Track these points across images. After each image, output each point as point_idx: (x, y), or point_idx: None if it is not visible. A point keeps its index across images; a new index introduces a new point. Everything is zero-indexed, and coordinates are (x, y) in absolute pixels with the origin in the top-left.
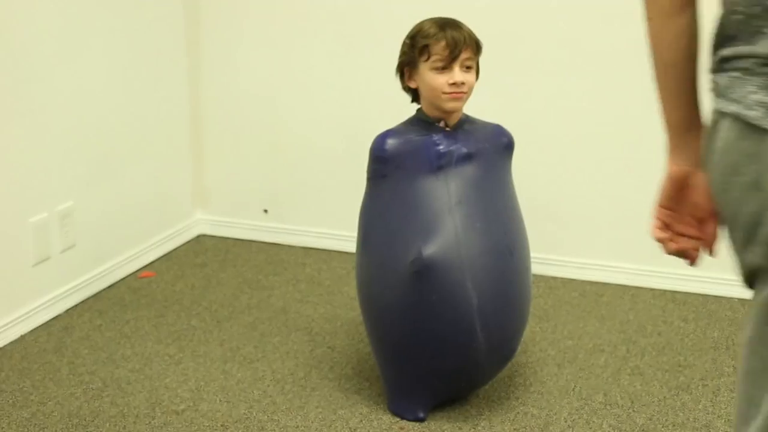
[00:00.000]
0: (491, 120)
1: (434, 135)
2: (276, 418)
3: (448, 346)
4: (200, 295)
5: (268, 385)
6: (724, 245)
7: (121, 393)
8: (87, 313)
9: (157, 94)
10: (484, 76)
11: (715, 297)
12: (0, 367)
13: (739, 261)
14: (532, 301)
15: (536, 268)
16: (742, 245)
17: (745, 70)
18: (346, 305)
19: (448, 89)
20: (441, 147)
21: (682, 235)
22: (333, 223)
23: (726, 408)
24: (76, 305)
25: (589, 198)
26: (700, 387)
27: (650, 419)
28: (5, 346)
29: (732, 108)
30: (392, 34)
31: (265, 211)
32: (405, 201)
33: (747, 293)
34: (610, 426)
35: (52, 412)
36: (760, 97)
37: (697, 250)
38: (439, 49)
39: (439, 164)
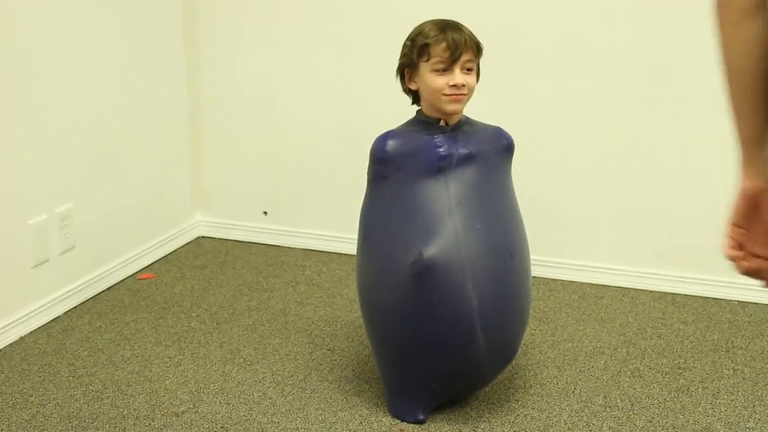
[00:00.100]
0: (491, 120)
1: (435, 137)
2: (276, 420)
3: (449, 348)
4: (200, 297)
5: (268, 387)
6: None
7: (121, 395)
8: (86, 315)
9: (157, 95)
10: (484, 77)
11: (715, 299)
12: (0, 369)
13: None
14: (531, 303)
15: (536, 271)
16: None
17: None
18: (345, 307)
19: (448, 91)
20: (441, 149)
21: (757, 256)
22: (333, 224)
23: (726, 410)
24: (75, 307)
25: (589, 200)
26: (699, 389)
27: (650, 421)
28: (5, 347)
29: None
30: (392, 35)
31: (265, 213)
32: (405, 202)
33: (747, 296)
34: (609, 428)
35: (52, 413)
36: None
37: None
38: (439, 50)
39: (440, 166)
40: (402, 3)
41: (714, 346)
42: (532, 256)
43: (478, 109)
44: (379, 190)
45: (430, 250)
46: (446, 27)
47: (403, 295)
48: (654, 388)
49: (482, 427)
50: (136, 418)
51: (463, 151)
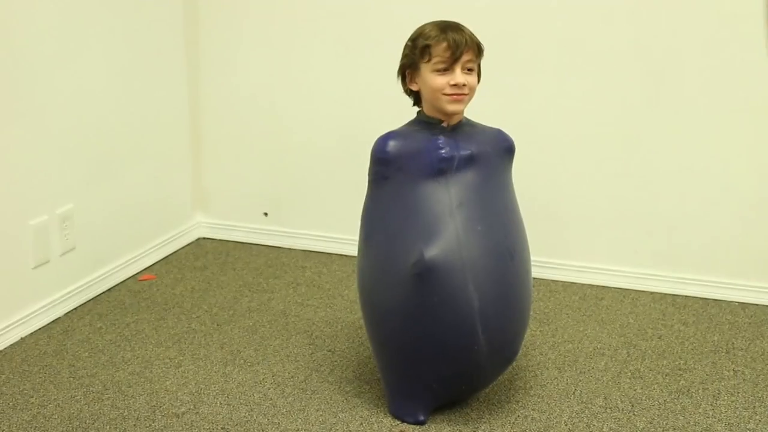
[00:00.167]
0: (491, 120)
1: (436, 138)
2: (276, 421)
3: (449, 349)
4: (200, 298)
5: (269, 388)
6: None
7: (122, 396)
8: (87, 316)
9: (157, 95)
10: (485, 77)
11: (716, 301)
12: (0, 370)
13: None
14: (532, 305)
15: (536, 272)
16: None
17: None
18: (346, 308)
19: (449, 90)
20: (443, 150)
21: None
22: (333, 226)
23: (726, 411)
24: (76, 308)
25: (589, 200)
26: (700, 390)
27: (650, 423)
28: (5, 348)
29: None
30: (392, 35)
31: (265, 214)
32: (406, 203)
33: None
34: (610, 429)
35: (53, 414)
36: None
37: None
38: (440, 50)
39: (441, 167)
40: (402, 3)
41: (714, 347)
42: (532, 257)
43: (478, 110)
44: (380, 190)
45: (432, 252)
46: (447, 27)
47: (404, 296)
48: (654, 389)
49: (482, 428)
50: (137, 419)
51: (464, 152)
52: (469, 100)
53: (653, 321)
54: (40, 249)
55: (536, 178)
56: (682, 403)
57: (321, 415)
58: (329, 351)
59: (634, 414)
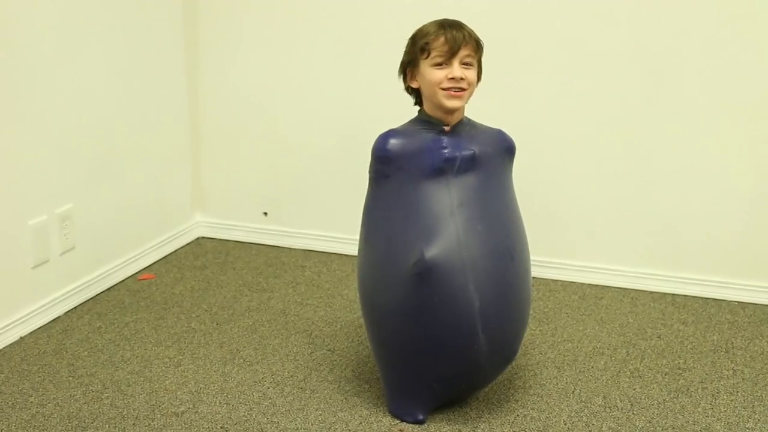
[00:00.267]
0: (491, 120)
1: (437, 137)
2: (276, 420)
3: (449, 349)
4: (200, 298)
5: (268, 388)
6: None
7: (121, 395)
8: (86, 316)
9: (157, 95)
10: (485, 77)
11: (715, 300)
12: (0, 369)
13: None
14: (532, 304)
15: (536, 271)
16: None
17: None
18: (345, 308)
19: (446, 84)
20: (444, 150)
21: None
22: (333, 225)
23: (725, 411)
24: (75, 307)
25: (589, 200)
26: (699, 390)
27: (650, 422)
28: (4, 348)
29: None
30: (391, 35)
31: (265, 213)
32: (407, 203)
33: (746, 297)
34: (609, 429)
35: (52, 414)
36: None
37: None
38: (438, 45)
39: (441, 167)
40: (402, 3)
41: (713, 346)
42: (532, 257)
43: (478, 110)
44: (380, 189)
45: (432, 251)
46: (446, 24)
47: (404, 296)
48: (654, 388)
49: (482, 427)
50: (136, 418)
51: (466, 153)
52: (469, 96)
53: (653, 320)
54: (40, 248)
55: (536, 178)
56: (681, 402)
57: (320, 415)
58: (329, 350)
59: (633, 413)
